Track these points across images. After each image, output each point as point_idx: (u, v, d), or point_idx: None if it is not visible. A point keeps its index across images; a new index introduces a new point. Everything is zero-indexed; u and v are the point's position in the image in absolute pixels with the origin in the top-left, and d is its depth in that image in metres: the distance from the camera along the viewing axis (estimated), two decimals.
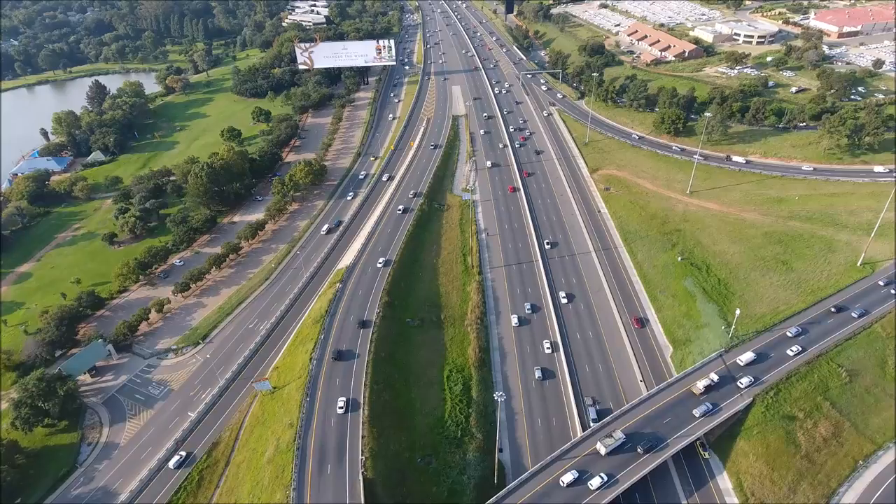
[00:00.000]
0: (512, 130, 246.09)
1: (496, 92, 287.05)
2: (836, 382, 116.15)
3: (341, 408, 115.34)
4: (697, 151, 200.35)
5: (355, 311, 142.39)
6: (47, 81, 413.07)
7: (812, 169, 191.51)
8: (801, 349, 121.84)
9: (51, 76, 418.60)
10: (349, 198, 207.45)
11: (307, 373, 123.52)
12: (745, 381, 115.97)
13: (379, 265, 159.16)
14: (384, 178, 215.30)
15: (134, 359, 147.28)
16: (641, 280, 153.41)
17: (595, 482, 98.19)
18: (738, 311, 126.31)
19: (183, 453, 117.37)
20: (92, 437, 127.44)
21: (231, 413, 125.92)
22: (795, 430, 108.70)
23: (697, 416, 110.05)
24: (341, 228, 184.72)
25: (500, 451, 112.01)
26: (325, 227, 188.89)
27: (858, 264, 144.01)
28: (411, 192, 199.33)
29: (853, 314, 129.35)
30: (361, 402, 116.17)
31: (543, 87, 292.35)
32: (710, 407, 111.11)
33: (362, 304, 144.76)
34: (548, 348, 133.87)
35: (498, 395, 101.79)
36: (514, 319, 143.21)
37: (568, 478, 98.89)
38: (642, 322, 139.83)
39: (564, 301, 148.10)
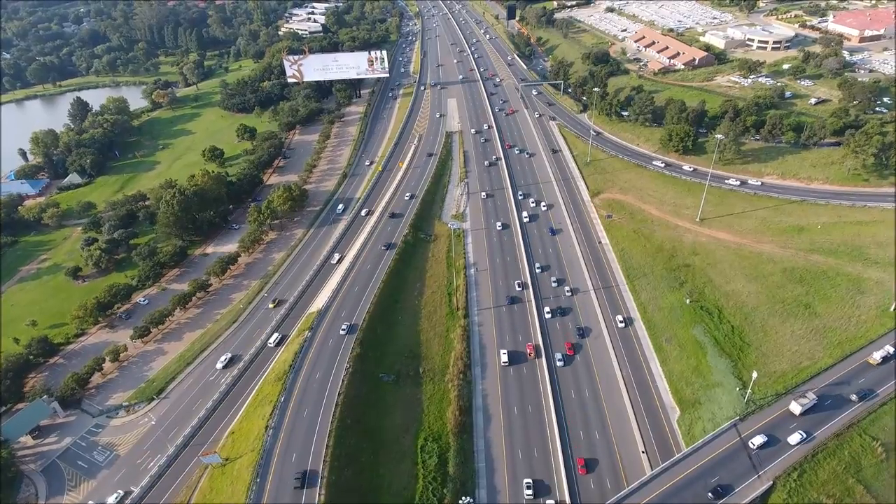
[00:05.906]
0: (507, 147, 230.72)
1: (495, 110, 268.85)
2: (871, 460, 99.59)
3: (297, 488, 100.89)
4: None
5: (322, 368, 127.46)
6: (36, 96, 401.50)
7: None
8: None
9: (40, 90, 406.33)
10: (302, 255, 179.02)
11: (261, 445, 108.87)
12: None
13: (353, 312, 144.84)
14: (363, 211, 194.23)
15: (82, 416, 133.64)
16: (645, 325, 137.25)
17: (794, 438, 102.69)
18: (755, 374, 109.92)
19: None
20: None
21: (178, 489, 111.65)
22: None
23: None
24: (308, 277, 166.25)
25: None
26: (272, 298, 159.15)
27: (892, 309, 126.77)
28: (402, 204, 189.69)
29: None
30: (318, 482, 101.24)
31: (544, 100, 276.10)
32: None
33: (331, 360, 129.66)
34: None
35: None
36: (502, 372, 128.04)
37: (759, 440, 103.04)
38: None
39: (559, 356, 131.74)
